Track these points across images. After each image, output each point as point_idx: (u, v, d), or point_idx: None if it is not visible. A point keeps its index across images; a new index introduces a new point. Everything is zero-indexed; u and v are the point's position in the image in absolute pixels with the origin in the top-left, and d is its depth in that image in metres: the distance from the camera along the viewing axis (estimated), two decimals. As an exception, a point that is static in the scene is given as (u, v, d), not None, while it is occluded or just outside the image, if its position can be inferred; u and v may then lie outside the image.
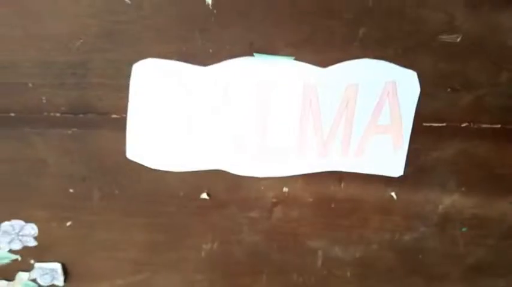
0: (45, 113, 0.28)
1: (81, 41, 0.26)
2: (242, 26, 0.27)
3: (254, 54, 0.28)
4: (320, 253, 0.34)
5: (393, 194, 0.32)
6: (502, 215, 0.34)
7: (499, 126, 0.31)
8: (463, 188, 0.32)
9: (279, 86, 0.29)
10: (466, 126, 0.31)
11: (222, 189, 0.31)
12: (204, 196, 0.31)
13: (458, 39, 0.28)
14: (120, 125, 0.28)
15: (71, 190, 0.30)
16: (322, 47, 0.28)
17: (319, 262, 0.34)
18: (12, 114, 0.28)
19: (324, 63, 0.28)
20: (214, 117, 0.29)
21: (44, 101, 0.28)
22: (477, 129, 0.31)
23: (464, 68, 0.29)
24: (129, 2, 0.26)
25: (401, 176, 0.31)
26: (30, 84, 0.27)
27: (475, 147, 0.31)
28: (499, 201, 0.33)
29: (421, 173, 0.32)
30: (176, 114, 0.29)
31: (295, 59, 0.28)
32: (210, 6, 0.26)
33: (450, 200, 0.33)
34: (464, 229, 0.34)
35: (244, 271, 0.34)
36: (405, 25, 0.28)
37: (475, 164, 0.32)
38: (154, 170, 0.30)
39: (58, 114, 0.28)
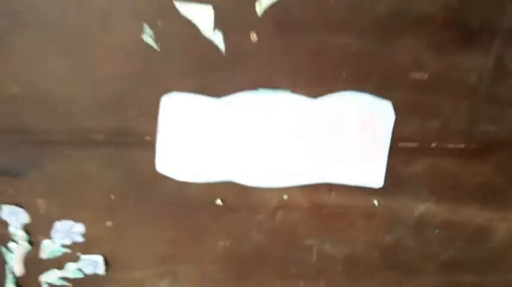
0: (93, 136, 0.35)
1: (121, 81, 0.33)
2: (249, 67, 0.33)
3: (258, 88, 0.34)
4: (314, 249, 0.40)
5: (375, 201, 0.39)
6: (468, 220, 0.40)
7: (462, 146, 0.37)
8: (434, 197, 0.39)
9: (278, 113, 0.35)
10: (434, 146, 0.37)
11: (233, 196, 0.38)
12: (219, 202, 0.38)
13: (425, 77, 0.35)
14: (151, 145, 0.35)
15: (112, 196, 0.38)
16: (314, 82, 0.34)
17: (314, 257, 0.40)
18: (65, 138, 0.35)
19: (315, 95, 0.35)
20: (226, 139, 0.36)
21: (92, 126, 0.35)
22: (444, 148, 0.37)
23: (431, 99, 0.35)
24: (159, 50, 0.33)
25: (382, 187, 0.38)
26: (80, 113, 0.34)
27: (443, 163, 0.38)
28: (465, 207, 0.39)
29: (398, 184, 0.38)
30: (196, 136, 0.36)
31: (291, 92, 0.35)
32: (223, 53, 0.33)
33: (424, 207, 0.39)
34: (436, 231, 0.40)
35: (252, 263, 0.40)
36: (382, 65, 0.34)
37: (443, 177, 0.38)
38: (178, 181, 0.37)
39: (102, 137, 0.35)
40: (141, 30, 0.32)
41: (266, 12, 0.32)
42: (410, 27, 0.33)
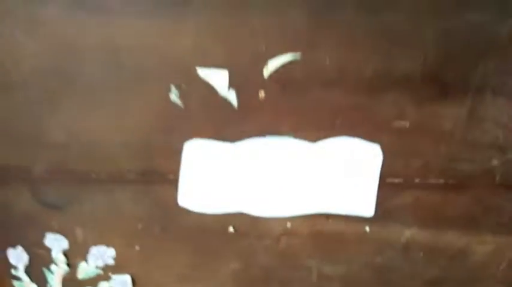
0: (125, 175, 0.41)
1: (151, 130, 0.40)
2: (257, 119, 0.40)
3: (266, 135, 0.41)
4: (314, 270, 0.46)
5: (367, 228, 0.45)
6: (449, 244, 0.45)
7: (442, 181, 0.43)
8: (418, 224, 0.44)
9: (283, 155, 0.41)
10: (418, 181, 0.43)
11: (243, 225, 0.44)
12: (231, 229, 0.44)
13: (408, 125, 0.41)
14: (174, 183, 0.42)
15: (139, 225, 0.44)
16: (313, 129, 0.40)
17: (314, 277, 0.46)
18: (103, 177, 0.41)
19: (314, 139, 0.41)
20: (238, 177, 0.42)
21: (125, 167, 0.41)
22: (426, 183, 0.43)
23: (413, 143, 0.41)
24: (183, 106, 0.39)
25: (372, 216, 0.44)
26: (116, 156, 0.41)
27: (426, 196, 0.43)
28: (446, 233, 0.45)
29: (386, 213, 0.44)
30: (213, 175, 0.42)
31: (293, 137, 0.41)
32: (236, 108, 0.39)
33: (409, 233, 0.45)
34: (421, 254, 0.46)
35: (259, 283, 0.46)
36: (370, 115, 0.40)
37: (426, 207, 0.44)
38: (197, 212, 0.43)
39: (133, 176, 0.42)
40: (169, 91, 0.38)
41: (271, 75, 0.38)
42: (393, 84, 0.39)
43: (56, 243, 0.44)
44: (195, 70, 0.37)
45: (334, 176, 0.42)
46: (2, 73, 0.37)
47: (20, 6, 0.34)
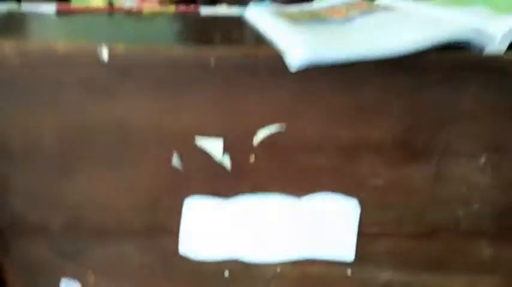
0: (133, 228, 0.47)
1: (155, 190, 0.45)
2: (249, 179, 0.45)
3: (256, 192, 0.46)
4: (302, 309, 0.51)
5: (348, 271, 0.50)
6: (423, 284, 0.51)
7: (414, 230, 0.48)
8: (394, 268, 0.50)
9: (272, 209, 0.47)
10: (392, 230, 0.48)
11: (238, 270, 0.49)
12: (227, 274, 0.49)
13: (382, 182, 0.46)
14: (176, 234, 0.47)
15: (145, 272, 0.49)
16: (298, 187, 0.46)
17: (302, 315, 0.52)
18: (113, 230, 0.47)
19: (299, 195, 0.46)
20: (233, 229, 0.47)
21: (132, 221, 0.46)
22: (400, 232, 0.48)
23: (387, 197, 0.47)
24: (183, 170, 0.44)
25: (353, 260, 0.49)
26: (124, 212, 0.46)
27: (400, 243, 0.49)
28: (420, 275, 0.50)
29: (365, 258, 0.49)
30: (210, 227, 0.47)
31: (282, 193, 0.46)
32: (230, 170, 0.45)
33: (386, 275, 0.50)
34: (398, 293, 0.51)
35: (253, 321, 0.52)
36: (349, 174, 0.46)
37: (401, 253, 0.49)
38: (196, 260, 0.48)
39: (139, 229, 0.47)
40: (171, 157, 0.43)
41: (260, 142, 0.43)
42: (368, 149, 0.44)
43: (70, 288, 0.49)
44: (194, 139, 0.43)
45: (318, 226, 0.48)
46: (27, 144, 0.42)
47: (44, 90, 0.40)
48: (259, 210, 0.47)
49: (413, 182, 0.46)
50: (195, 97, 0.41)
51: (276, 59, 0.38)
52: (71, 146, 0.43)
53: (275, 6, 0.60)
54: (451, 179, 0.46)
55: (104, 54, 0.38)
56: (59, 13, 0.58)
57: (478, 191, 0.47)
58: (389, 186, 0.46)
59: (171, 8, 0.67)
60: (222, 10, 0.65)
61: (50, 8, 0.58)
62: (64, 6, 0.59)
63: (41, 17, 0.56)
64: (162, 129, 0.42)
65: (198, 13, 0.64)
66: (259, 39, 0.43)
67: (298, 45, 0.35)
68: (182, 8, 0.68)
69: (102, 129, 0.42)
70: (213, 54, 0.38)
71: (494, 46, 0.39)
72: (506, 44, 0.39)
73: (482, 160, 0.45)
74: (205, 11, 0.65)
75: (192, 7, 0.69)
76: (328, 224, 0.47)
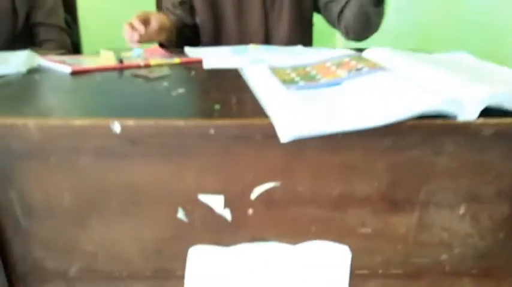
0: (143, 273, 0.51)
1: (163, 239, 0.50)
2: (247, 229, 0.50)
3: (254, 241, 0.50)
4: None
5: (341, 310, 0.54)
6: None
7: (401, 271, 0.52)
8: (384, 306, 0.54)
9: (269, 255, 0.51)
10: (381, 272, 0.52)
11: (239, 309, 0.54)
12: (229, 313, 0.54)
13: (369, 231, 0.50)
14: (181, 278, 0.52)
15: (154, 311, 0.54)
16: (293, 235, 0.50)
17: None
18: (124, 274, 0.51)
19: (293, 243, 0.51)
20: (233, 273, 0.52)
21: (142, 267, 0.51)
22: (388, 273, 0.52)
23: (375, 243, 0.51)
24: (187, 222, 0.49)
25: (345, 300, 0.53)
26: (134, 259, 0.51)
27: (388, 282, 0.53)
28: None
29: (357, 298, 0.53)
30: (212, 271, 0.52)
31: (278, 241, 0.51)
32: (230, 222, 0.49)
33: (377, 313, 0.54)
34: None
35: None
36: (339, 224, 0.50)
37: (389, 293, 0.53)
38: (201, 301, 0.53)
39: (148, 273, 0.52)
40: (176, 211, 0.48)
41: (257, 197, 0.48)
42: (356, 201, 0.49)
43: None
44: (197, 196, 0.47)
45: (313, 271, 0.52)
46: (48, 202, 0.47)
47: (62, 157, 0.45)
48: (258, 257, 0.51)
49: (398, 230, 0.50)
50: (197, 161, 0.45)
51: (270, 128, 0.43)
52: (86, 203, 0.47)
53: (271, 61, 0.65)
54: (433, 227, 0.50)
55: (116, 127, 0.42)
56: (74, 73, 0.63)
57: (458, 237, 0.51)
58: (376, 233, 0.50)
59: (176, 60, 0.72)
60: (222, 62, 0.69)
61: (66, 69, 0.63)
62: (78, 66, 0.64)
63: (58, 78, 0.61)
64: (168, 188, 0.47)
65: (201, 66, 0.69)
66: (255, 108, 0.47)
67: (286, 124, 0.40)
68: (186, 59, 0.73)
69: (113, 189, 0.47)
70: (212, 126, 0.43)
71: (467, 114, 0.43)
72: (477, 113, 0.43)
73: (461, 210, 0.49)
74: (207, 64, 0.69)
75: (194, 59, 0.74)
76: (322, 268, 0.52)
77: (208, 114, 0.45)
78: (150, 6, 1.38)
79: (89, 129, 0.43)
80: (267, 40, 1.01)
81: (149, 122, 0.43)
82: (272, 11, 0.99)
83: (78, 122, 0.42)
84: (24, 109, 0.47)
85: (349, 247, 0.51)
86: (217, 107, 0.47)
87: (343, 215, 0.49)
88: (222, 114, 0.45)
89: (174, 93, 0.54)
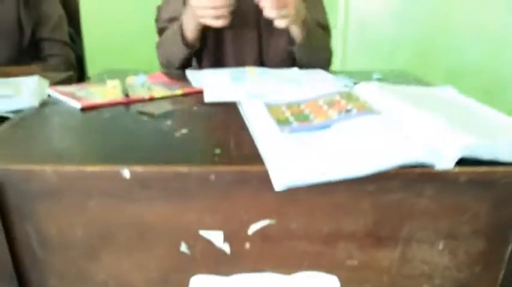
0: (147, 299, 0.56)
1: (166, 270, 0.54)
2: (245, 261, 0.54)
3: (251, 272, 0.55)
4: None
5: (331, 334, 0.59)
6: None
7: (385, 300, 0.57)
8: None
9: (266, 285, 0.56)
10: (367, 300, 0.57)
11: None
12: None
13: (356, 263, 0.55)
14: (184, 305, 0.56)
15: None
16: (287, 266, 0.55)
17: None
18: (131, 301, 0.56)
19: (287, 273, 0.55)
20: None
21: (147, 294, 0.56)
22: (373, 302, 0.57)
23: (362, 274, 0.55)
24: (190, 254, 0.53)
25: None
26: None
27: (374, 311, 0.58)
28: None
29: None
30: (212, 299, 0.56)
31: (273, 272, 0.55)
32: (229, 255, 0.54)
33: (363, 337, 0.59)
34: None
35: None
36: (328, 257, 0.54)
37: (374, 319, 0.58)
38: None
39: (153, 300, 0.56)
40: (179, 245, 0.52)
41: (254, 233, 0.52)
42: (343, 237, 0.53)
43: None
44: (199, 232, 0.52)
45: (304, 297, 0.56)
46: (62, 237, 0.51)
47: (75, 197, 0.49)
48: (256, 284, 0.56)
49: (382, 263, 0.55)
50: (199, 201, 0.50)
51: (265, 175, 0.47)
52: (96, 238, 0.52)
53: (267, 95, 0.69)
54: (414, 261, 0.55)
55: (126, 173, 0.47)
56: (83, 109, 0.67)
57: (438, 269, 0.55)
58: (363, 266, 0.55)
59: (178, 92, 0.76)
60: (221, 95, 0.73)
61: (76, 104, 0.67)
62: (87, 101, 0.69)
63: (69, 114, 0.66)
64: (171, 225, 0.51)
65: (202, 98, 0.73)
66: (252, 152, 0.52)
67: (281, 175, 0.44)
68: (187, 90, 0.77)
69: (122, 225, 0.51)
70: (213, 172, 0.47)
71: (445, 163, 0.48)
72: (454, 162, 0.48)
73: (440, 246, 0.54)
74: (208, 97, 0.74)
75: (196, 89, 0.78)
76: (313, 296, 0.56)
77: (209, 159, 0.50)
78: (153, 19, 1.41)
79: (100, 174, 0.47)
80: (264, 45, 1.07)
81: (155, 169, 0.47)
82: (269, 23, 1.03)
83: (90, 168, 0.47)
84: (41, 152, 0.52)
85: (338, 277, 0.55)
86: (217, 151, 0.52)
87: (333, 249, 0.54)
88: (222, 159, 0.50)
89: (177, 134, 0.58)
